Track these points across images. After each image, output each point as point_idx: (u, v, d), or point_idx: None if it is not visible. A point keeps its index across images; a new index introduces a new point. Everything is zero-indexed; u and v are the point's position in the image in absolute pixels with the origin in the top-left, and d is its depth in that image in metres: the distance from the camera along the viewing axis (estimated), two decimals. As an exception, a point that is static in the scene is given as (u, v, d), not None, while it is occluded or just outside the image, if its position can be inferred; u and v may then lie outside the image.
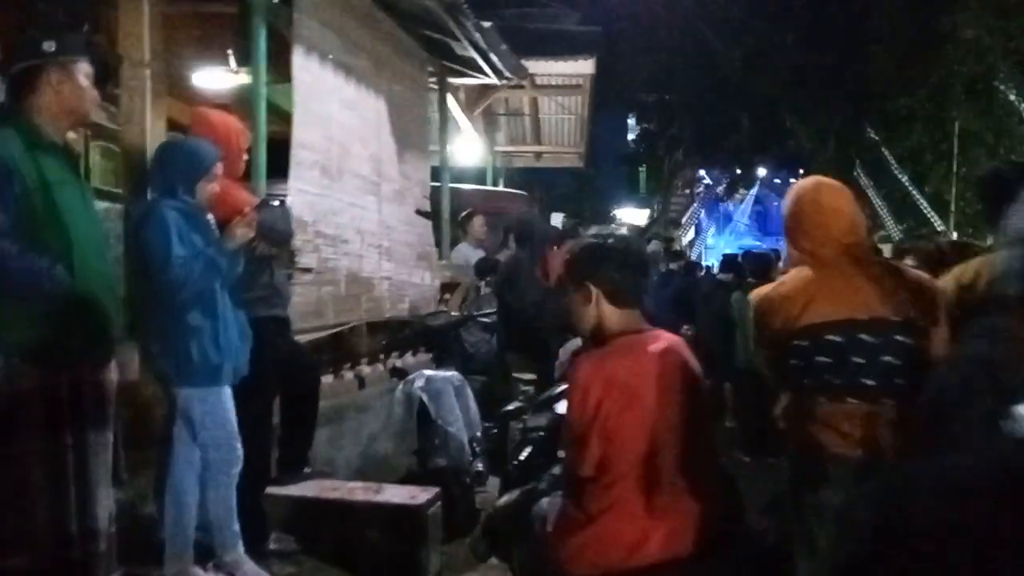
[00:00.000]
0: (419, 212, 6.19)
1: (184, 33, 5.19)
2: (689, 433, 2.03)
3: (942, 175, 16.51)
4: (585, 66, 7.54)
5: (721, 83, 15.19)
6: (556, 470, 2.45)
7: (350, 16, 4.88)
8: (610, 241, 2.20)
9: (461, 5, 4.71)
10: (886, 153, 16.28)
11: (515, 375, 5.36)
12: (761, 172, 22.94)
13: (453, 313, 5.54)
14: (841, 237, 2.20)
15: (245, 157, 3.45)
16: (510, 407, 5.24)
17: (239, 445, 2.88)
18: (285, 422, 3.66)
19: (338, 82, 4.75)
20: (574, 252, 2.23)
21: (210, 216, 2.94)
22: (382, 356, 5.59)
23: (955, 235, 14.96)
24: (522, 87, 9.17)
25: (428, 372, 4.51)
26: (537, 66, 6.87)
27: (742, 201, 31.14)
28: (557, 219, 8.21)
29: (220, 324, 2.77)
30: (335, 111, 4.73)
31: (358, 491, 3.65)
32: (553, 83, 9.18)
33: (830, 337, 2.14)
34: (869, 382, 2.12)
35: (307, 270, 4.41)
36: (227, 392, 2.84)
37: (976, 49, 15.97)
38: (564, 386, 2.84)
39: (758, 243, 30.75)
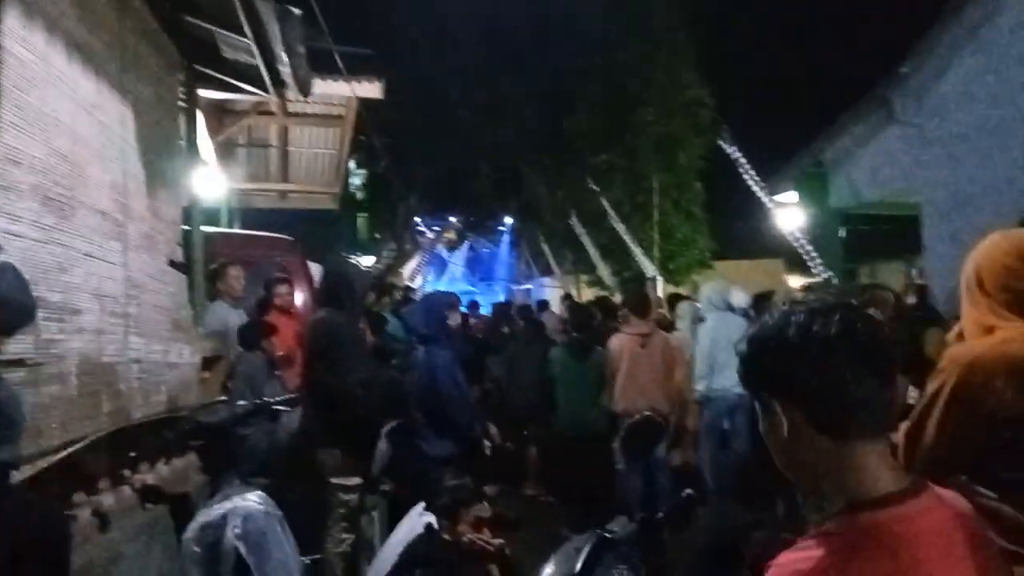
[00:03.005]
0: (172, 264, 4.55)
1: None
2: None
3: (639, 224, 17.98)
4: (371, 89, 6.42)
5: (457, 130, 14.92)
6: None
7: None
8: (806, 311, 1.16)
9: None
10: (604, 203, 17.33)
11: (333, 480, 4.01)
12: (509, 220, 23.23)
13: (240, 402, 4.01)
14: None
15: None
16: (334, 530, 3.91)
17: None
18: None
19: (73, 71, 3.13)
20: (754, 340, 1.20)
21: None
22: (129, 473, 3.85)
23: (660, 279, 16.37)
24: (271, 114, 7.71)
25: (238, 501, 3.02)
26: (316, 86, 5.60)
27: (454, 248, 31.67)
28: (314, 269, 6.88)
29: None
30: (66, 113, 3.09)
31: None
32: (309, 111, 7.85)
33: None
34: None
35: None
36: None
37: (660, 115, 17.93)
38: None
39: (472, 288, 31.53)
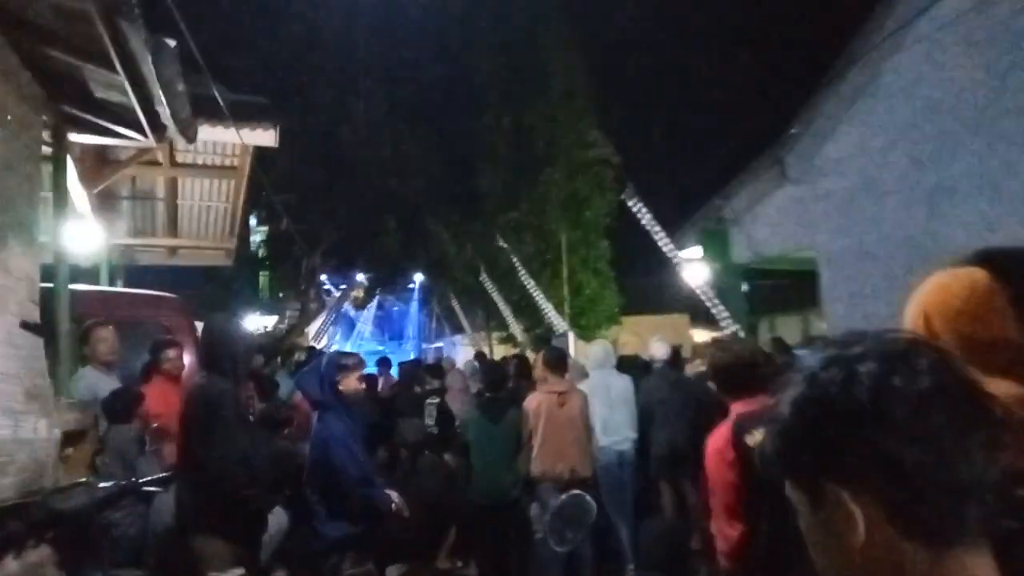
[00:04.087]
0: (25, 325, 3.97)
1: None
2: None
3: (549, 280, 18.03)
4: (264, 137, 6.01)
5: (362, 185, 14.57)
6: None
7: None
8: (875, 355, 0.82)
9: (131, 5, 2.98)
10: (514, 259, 17.28)
11: (212, 573, 3.49)
12: (418, 277, 22.76)
13: (102, 484, 3.47)
14: None
15: None
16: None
17: None
18: None
19: None
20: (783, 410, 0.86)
21: None
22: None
23: (572, 333, 16.36)
24: (157, 164, 7.18)
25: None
26: (202, 132, 5.16)
27: (362, 307, 30.88)
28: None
29: None
30: None
31: None
32: (199, 161, 7.35)
33: None
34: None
35: None
36: None
37: (566, 173, 18.25)
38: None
39: (381, 348, 30.71)
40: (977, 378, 0.82)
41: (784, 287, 13.76)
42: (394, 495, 4.09)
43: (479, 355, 13.32)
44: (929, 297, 1.71)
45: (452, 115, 15.92)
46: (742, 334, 10.99)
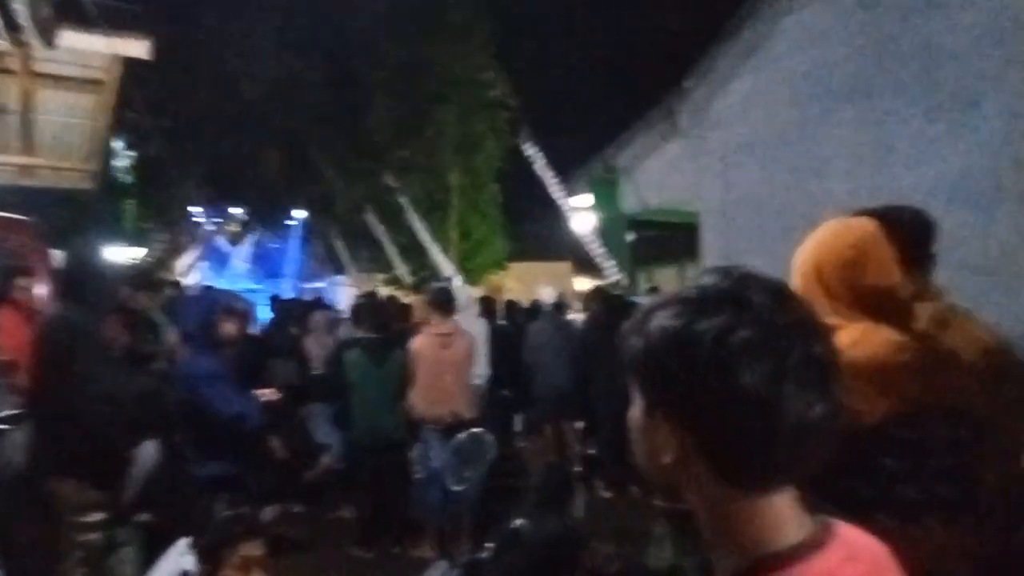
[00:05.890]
0: None
1: None
2: None
3: (438, 223, 17.84)
4: (135, 48, 5.43)
5: (242, 112, 13.65)
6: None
7: None
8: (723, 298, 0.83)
9: None
10: (402, 200, 16.89)
11: (72, 518, 3.25)
12: (299, 214, 21.78)
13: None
14: None
15: None
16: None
17: None
18: None
19: None
20: (640, 335, 0.87)
21: None
22: None
23: (460, 279, 16.33)
24: (11, 72, 6.43)
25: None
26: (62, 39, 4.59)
27: (237, 242, 29.48)
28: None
29: None
30: None
31: None
32: (61, 72, 6.62)
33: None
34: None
35: None
36: None
37: (460, 114, 17.92)
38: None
39: (257, 286, 29.52)
40: (817, 322, 0.84)
41: (667, 239, 14.19)
42: (272, 439, 3.94)
43: (370, 295, 13.00)
44: (821, 247, 1.75)
45: (344, 45, 15.12)
46: (625, 283, 11.33)
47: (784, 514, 0.82)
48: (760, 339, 0.78)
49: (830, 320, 1.68)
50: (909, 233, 1.78)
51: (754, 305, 0.80)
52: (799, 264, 1.78)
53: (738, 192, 9.03)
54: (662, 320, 0.83)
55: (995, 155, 6.29)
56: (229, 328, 3.88)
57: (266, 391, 3.95)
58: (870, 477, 1.56)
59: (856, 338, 1.61)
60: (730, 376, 0.77)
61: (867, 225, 1.71)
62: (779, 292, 0.83)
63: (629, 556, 4.13)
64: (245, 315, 3.96)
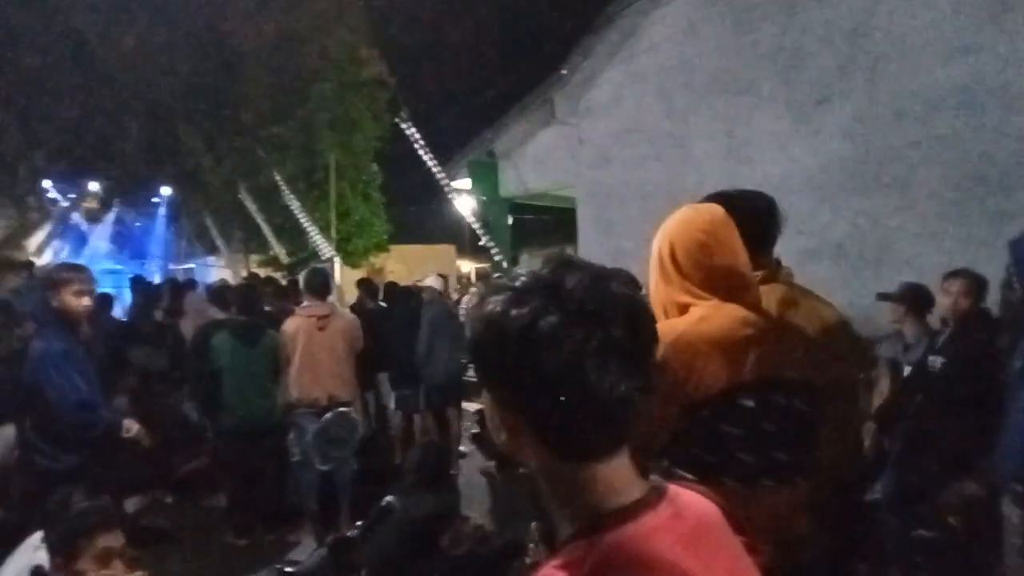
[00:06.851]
0: None
1: None
2: None
3: (315, 203, 17.38)
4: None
5: (100, 78, 12.64)
6: None
7: None
8: (551, 287, 0.87)
9: None
10: (278, 178, 16.27)
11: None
12: (166, 190, 20.40)
13: None
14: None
15: None
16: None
17: None
18: None
19: None
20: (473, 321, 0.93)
21: None
22: None
23: (339, 260, 15.99)
24: None
25: None
26: None
27: (96, 220, 27.45)
28: None
29: None
30: None
31: None
32: None
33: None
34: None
35: None
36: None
37: (337, 92, 17.46)
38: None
39: (119, 267, 27.62)
40: (632, 306, 0.89)
41: (546, 222, 14.48)
42: (130, 422, 3.73)
43: (251, 276, 12.49)
44: (674, 230, 1.88)
45: (212, 12, 14.30)
46: (506, 265, 11.48)
47: (616, 479, 0.90)
48: (564, 324, 0.83)
49: (683, 298, 1.81)
50: (754, 218, 1.94)
51: (565, 292, 0.85)
52: (656, 246, 1.90)
53: (611, 179, 9.34)
54: (487, 307, 0.89)
55: (843, 149, 6.84)
56: (72, 301, 3.55)
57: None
58: (714, 444, 1.69)
59: (704, 314, 1.75)
60: (536, 360, 0.83)
61: (716, 210, 1.85)
62: (596, 279, 0.88)
63: (504, 531, 4.25)
64: (87, 284, 3.61)
